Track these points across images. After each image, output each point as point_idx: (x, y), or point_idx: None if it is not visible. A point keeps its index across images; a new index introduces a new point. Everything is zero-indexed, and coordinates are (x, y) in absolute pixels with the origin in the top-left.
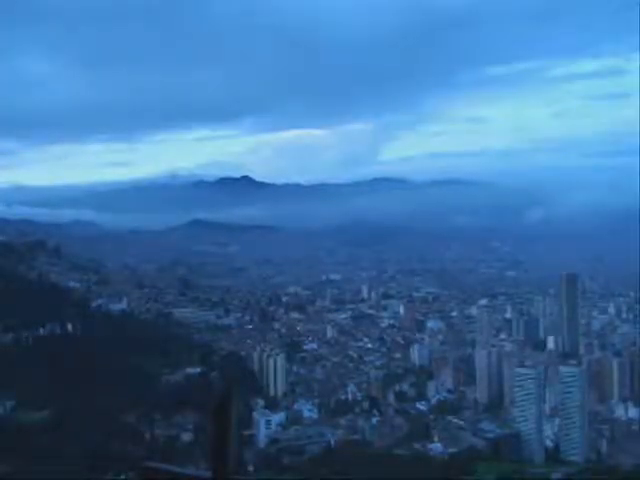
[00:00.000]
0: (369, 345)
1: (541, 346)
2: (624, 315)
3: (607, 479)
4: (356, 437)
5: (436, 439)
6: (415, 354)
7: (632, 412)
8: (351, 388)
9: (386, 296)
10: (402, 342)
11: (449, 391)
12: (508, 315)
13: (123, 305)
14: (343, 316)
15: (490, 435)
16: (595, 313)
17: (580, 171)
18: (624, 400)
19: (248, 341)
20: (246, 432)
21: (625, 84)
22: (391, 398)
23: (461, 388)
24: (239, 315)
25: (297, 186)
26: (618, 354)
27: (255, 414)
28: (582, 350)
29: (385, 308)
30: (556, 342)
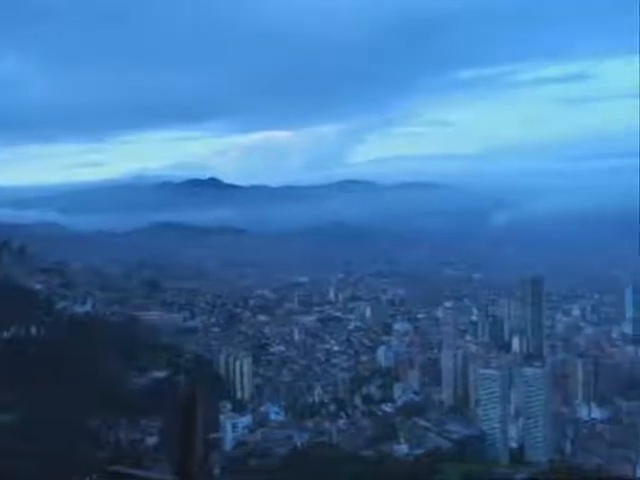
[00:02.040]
0: (336, 347)
1: (506, 348)
2: (588, 317)
3: (571, 479)
4: (323, 439)
5: (402, 440)
6: (382, 356)
7: (595, 412)
8: (318, 390)
9: (353, 298)
10: (369, 344)
11: (415, 392)
12: (474, 317)
13: (88, 307)
14: (310, 318)
15: (455, 436)
16: (559, 315)
17: (545, 175)
18: (587, 401)
19: (215, 344)
20: (213, 435)
21: (590, 89)
22: (358, 400)
23: (427, 389)
24: (206, 318)
25: (265, 188)
26: (582, 355)
27: (222, 417)
28: (546, 352)
29: (352, 310)
30: (521, 344)
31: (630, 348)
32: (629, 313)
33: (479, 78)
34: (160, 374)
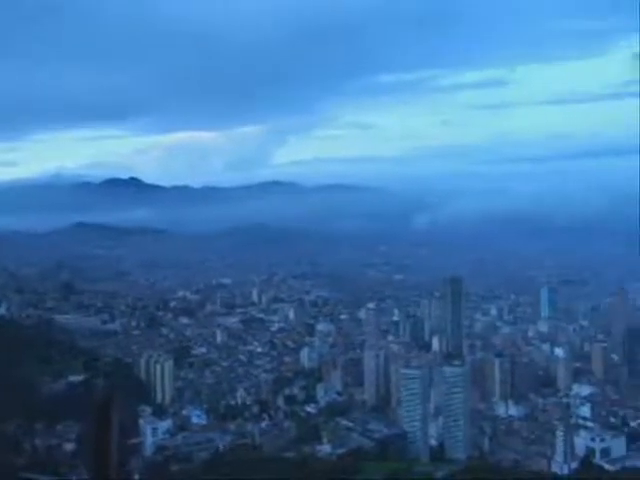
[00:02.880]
0: (259, 349)
1: (426, 347)
2: (505, 317)
3: (489, 476)
4: (245, 442)
5: (325, 441)
6: (305, 357)
7: (512, 410)
8: (241, 392)
9: (276, 300)
10: (292, 345)
11: (338, 393)
12: (395, 317)
13: (2, 310)
14: (233, 320)
15: (377, 435)
16: (478, 315)
17: (464, 178)
18: (505, 398)
19: (134, 347)
20: (132, 441)
21: (507, 95)
22: (281, 401)
23: (350, 390)
24: (125, 320)
25: (187, 189)
26: (499, 354)
27: (142, 422)
28: (465, 351)
29: (275, 312)
30: (441, 343)
31: (545, 347)
32: (544, 313)
33: (400, 82)
34: (77, 378)
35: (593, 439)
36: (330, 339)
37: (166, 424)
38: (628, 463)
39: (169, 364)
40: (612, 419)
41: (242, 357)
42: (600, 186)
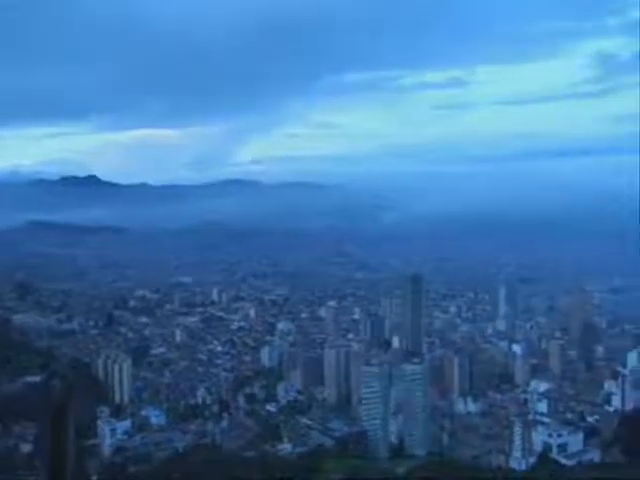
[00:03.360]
0: (219, 348)
1: (387, 345)
2: (464, 315)
3: (448, 472)
4: (205, 441)
5: (285, 439)
6: (265, 356)
7: (471, 406)
8: (201, 392)
9: (237, 298)
10: (252, 344)
11: (299, 392)
12: (356, 316)
13: None
14: (193, 319)
15: (338, 433)
16: (437, 313)
17: (426, 177)
18: (464, 395)
19: (92, 347)
20: (90, 442)
21: (468, 95)
22: (241, 401)
23: (310, 388)
24: (83, 320)
25: (145, 186)
26: (458, 352)
27: (99, 422)
28: (425, 348)
29: (236, 311)
30: (401, 341)
31: (503, 344)
32: (502, 310)
33: (363, 82)
34: (34, 379)
35: (550, 435)
36: (290, 338)
37: (124, 425)
38: (584, 458)
39: (127, 364)
40: (569, 415)
41: (202, 356)
42: (559, 185)
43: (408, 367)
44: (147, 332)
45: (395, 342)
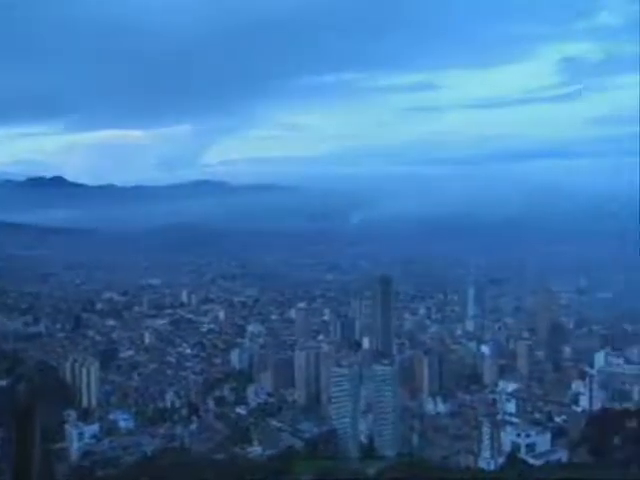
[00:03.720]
0: (188, 351)
1: (357, 346)
2: (433, 315)
3: (418, 472)
4: (175, 445)
5: (255, 442)
6: (235, 358)
7: (440, 407)
8: (170, 395)
9: (206, 300)
10: (222, 347)
11: (269, 394)
12: (326, 317)
13: None
14: (162, 322)
15: (308, 435)
16: (407, 314)
17: (396, 178)
18: (433, 395)
19: (59, 350)
20: (57, 445)
21: (439, 98)
22: (211, 403)
23: (281, 390)
24: (49, 323)
25: (113, 188)
26: (428, 352)
27: (67, 426)
28: (395, 349)
29: (205, 313)
30: (371, 342)
31: (472, 344)
32: (471, 311)
33: (333, 84)
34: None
35: (519, 434)
36: (260, 340)
37: (92, 428)
38: (552, 458)
39: (95, 367)
40: (537, 415)
41: (171, 359)
42: (527, 187)
43: (378, 368)
44: (115, 335)
45: (365, 343)
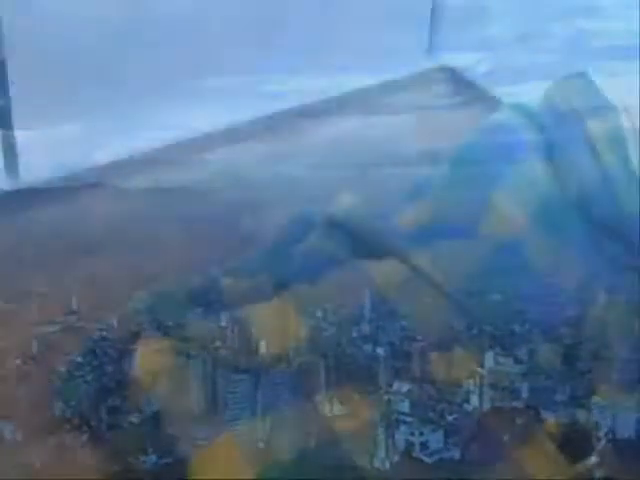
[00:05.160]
0: (79, 359)
1: (254, 351)
2: (330, 319)
3: (314, 474)
4: (65, 456)
5: (150, 451)
6: (128, 366)
7: (337, 409)
8: (59, 405)
9: (98, 308)
10: (115, 355)
11: (163, 402)
12: (223, 323)
13: None
14: (51, 329)
15: (205, 442)
16: (304, 317)
17: (290, 183)
18: (330, 398)
19: None
20: None
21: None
22: (103, 413)
23: (175, 397)
24: None
25: None
26: (324, 356)
27: None
28: (292, 353)
29: (97, 320)
30: (267, 346)
31: (367, 347)
32: (367, 314)
33: (225, 87)
34: None
35: (413, 433)
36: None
37: None
38: (445, 455)
39: None
40: (430, 413)
41: (61, 368)
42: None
43: (276, 372)
44: (1, 344)
45: (262, 347)
